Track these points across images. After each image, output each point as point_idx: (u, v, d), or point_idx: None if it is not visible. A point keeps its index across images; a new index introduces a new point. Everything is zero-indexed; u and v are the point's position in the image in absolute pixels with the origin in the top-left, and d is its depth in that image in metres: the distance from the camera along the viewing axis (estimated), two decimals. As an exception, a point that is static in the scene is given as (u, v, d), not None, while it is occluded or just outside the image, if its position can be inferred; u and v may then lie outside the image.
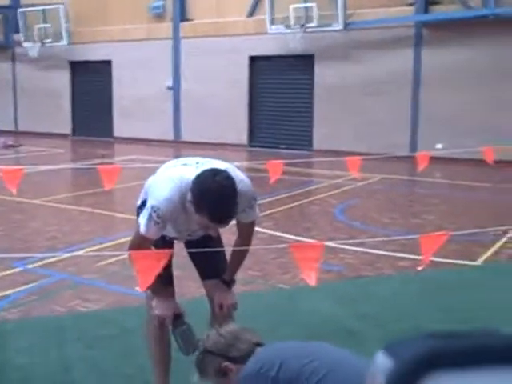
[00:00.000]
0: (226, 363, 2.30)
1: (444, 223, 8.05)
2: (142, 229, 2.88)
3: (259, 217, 3.27)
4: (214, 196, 2.66)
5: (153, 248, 3.21)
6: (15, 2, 21.09)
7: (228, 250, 3.36)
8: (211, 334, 2.38)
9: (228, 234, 3.48)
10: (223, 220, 2.74)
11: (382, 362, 0.71)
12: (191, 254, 3.39)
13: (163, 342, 3.38)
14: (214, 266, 3.36)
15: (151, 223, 2.84)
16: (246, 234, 3.24)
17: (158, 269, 2.97)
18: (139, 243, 2.96)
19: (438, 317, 4.76)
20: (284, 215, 8.59)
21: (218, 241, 3.35)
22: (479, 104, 13.85)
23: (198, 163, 2.96)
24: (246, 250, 3.30)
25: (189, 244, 3.37)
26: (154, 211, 2.82)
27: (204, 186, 2.69)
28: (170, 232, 3.13)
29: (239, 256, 3.31)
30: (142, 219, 2.88)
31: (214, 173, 2.73)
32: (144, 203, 3.02)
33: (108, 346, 4.26)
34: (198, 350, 2.40)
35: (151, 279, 2.97)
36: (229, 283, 3.31)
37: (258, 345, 2.33)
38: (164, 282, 3.18)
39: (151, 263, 2.96)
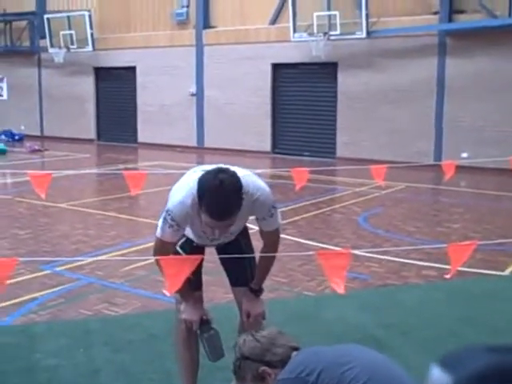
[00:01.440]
0: (264, 368, 2.30)
1: (469, 232, 8.00)
2: (158, 232, 2.98)
3: (281, 224, 3.26)
4: (213, 192, 2.68)
5: (181, 252, 3.23)
6: (41, 9, 21.38)
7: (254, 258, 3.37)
8: (247, 339, 2.37)
9: (255, 241, 3.49)
10: (222, 216, 2.72)
11: (439, 377, 0.71)
12: (222, 260, 3.41)
13: (191, 347, 3.39)
14: (243, 274, 3.35)
15: (166, 226, 2.92)
16: (270, 242, 3.22)
17: (187, 273, 2.98)
18: (160, 247, 3.03)
19: (463, 327, 4.73)
20: (308, 222, 8.59)
21: (248, 248, 3.36)
22: (504, 113, 13.74)
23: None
24: (273, 258, 3.28)
25: (220, 250, 3.39)
26: (169, 214, 2.90)
27: (205, 183, 2.72)
28: (191, 236, 3.17)
29: (266, 264, 3.30)
30: (159, 223, 2.97)
31: (218, 171, 2.76)
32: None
33: (135, 350, 4.29)
34: (235, 357, 2.40)
35: (179, 283, 2.99)
36: (256, 292, 3.31)
37: (295, 349, 2.33)
38: (193, 287, 3.20)
39: (180, 268, 2.98)
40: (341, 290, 3.11)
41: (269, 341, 2.33)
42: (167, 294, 3.13)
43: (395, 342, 4.45)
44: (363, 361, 2.17)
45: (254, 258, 3.38)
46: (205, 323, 3.14)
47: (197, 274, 3.21)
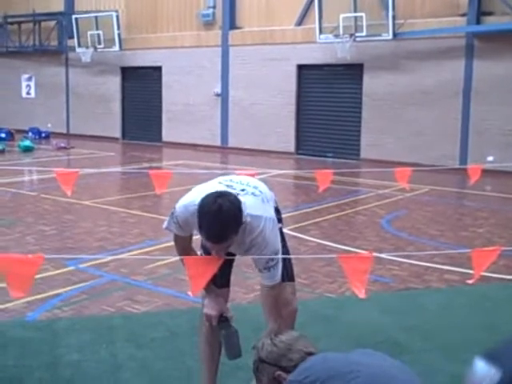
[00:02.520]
0: (279, 372, 2.31)
1: (493, 237, 7.93)
2: (165, 223, 3.15)
3: (278, 282, 3.07)
4: (209, 216, 2.75)
5: (202, 252, 3.25)
6: (69, 9, 21.63)
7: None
8: (266, 342, 2.39)
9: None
10: (216, 240, 2.80)
11: (486, 371, 0.70)
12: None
13: (212, 343, 3.41)
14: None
15: (171, 221, 3.09)
16: (264, 301, 3.17)
17: (210, 274, 3.00)
18: (174, 238, 3.20)
19: (485, 332, 4.69)
20: (331, 224, 8.58)
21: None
22: (532, 117, 13.58)
23: (243, 190, 3.01)
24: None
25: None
26: (174, 212, 3.05)
27: (204, 206, 2.79)
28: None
29: None
30: (167, 222, 3.15)
31: (219, 195, 2.81)
32: None
33: (156, 347, 4.33)
34: (253, 358, 2.43)
35: (203, 284, 3.01)
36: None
37: (311, 354, 2.34)
38: (219, 283, 3.23)
39: (203, 268, 3.00)
40: (361, 294, 3.10)
41: (285, 346, 2.34)
42: (191, 294, 3.15)
43: (416, 346, 4.43)
44: (370, 369, 2.16)
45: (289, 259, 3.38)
46: (224, 320, 3.16)
47: (225, 271, 3.24)
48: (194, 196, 2.98)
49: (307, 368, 2.24)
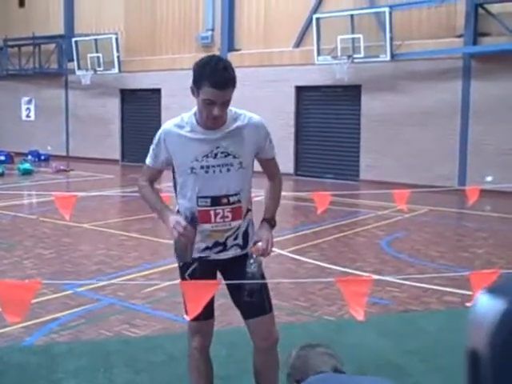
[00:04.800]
0: None
1: (493, 258, 7.91)
2: (146, 161, 3.21)
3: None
4: (210, 64, 2.88)
5: (189, 279, 3.19)
6: (69, 32, 21.78)
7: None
8: (292, 354, 2.48)
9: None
10: (224, 83, 2.87)
11: (489, 305, 0.69)
12: (233, 291, 3.25)
13: (205, 372, 3.36)
14: (260, 300, 3.22)
15: (150, 151, 3.16)
16: (273, 174, 3.31)
17: (207, 298, 2.99)
18: (143, 172, 3.27)
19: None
20: (330, 246, 8.56)
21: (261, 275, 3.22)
22: (530, 137, 13.61)
23: None
24: (280, 189, 3.33)
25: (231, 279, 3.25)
26: (154, 141, 3.15)
27: (201, 62, 2.92)
28: (182, 167, 3.07)
29: (275, 195, 3.31)
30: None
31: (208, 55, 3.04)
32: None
33: (155, 372, 4.30)
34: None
35: (200, 308, 3.00)
36: (270, 222, 3.22)
37: (322, 372, 2.38)
38: (205, 315, 3.16)
39: (200, 293, 2.99)
40: (360, 317, 3.09)
41: (302, 361, 2.43)
42: (187, 318, 3.12)
43: (415, 369, 4.40)
44: None
45: (266, 283, 3.27)
46: (195, 221, 3.03)
47: (209, 301, 3.16)
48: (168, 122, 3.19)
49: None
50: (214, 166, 3.02)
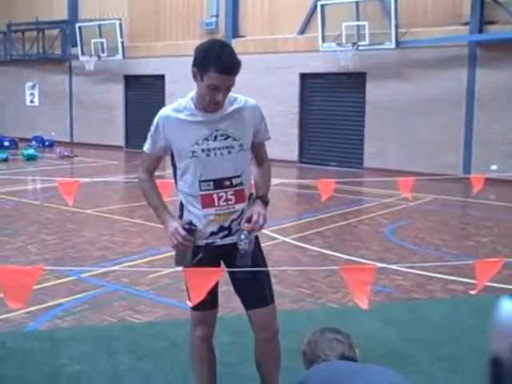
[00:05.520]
0: (309, 367, 2.54)
1: (497, 246, 7.89)
2: (144, 147, 3.15)
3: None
4: (217, 48, 2.85)
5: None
6: (73, 17, 21.70)
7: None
8: (307, 338, 2.60)
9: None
10: (230, 68, 2.84)
11: None
12: (235, 280, 3.21)
13: (207, 362, 3.33)
14: (262, 290, 3.23)
15: (148, 138, 3.11)
16: (264, 157, 3.33)
17: (210, 285, 2.96)
18: (142, 161, 3.20)
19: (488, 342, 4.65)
20: (334, 233, 8.55)
21: (263, 263, 3.22)
22: (535, 125, 13.54)
23: None
24: (270, 173, 3.33)
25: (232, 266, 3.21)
26: (151, 127, 3.09)
27: (207, 44, 2.90)
28: (183, 152, 3.02)
29: (266, 175, 3.30)
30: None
31: (211, 39, 3.03)
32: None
33: (158, 358, 4.30)
34: None
35: (203, 295, 2.96)
36: (264, 198, 3.18)
37: (324, 360, 2.42)
38: (209, 304, 3.15)
39: (203, 280, 2.96)
40: (364, 305, 3.06)
41: (313, 346, 2.53)
42: (189, 305, 3.10)
43: (419, 357, 4.39)
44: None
45: (269, 274, 3.25)
46: (191, 229, 3.03)
47: (214, 290, 3.13)
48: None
49: (310, 372, 2.39)
50: (214, 149, 2.99)
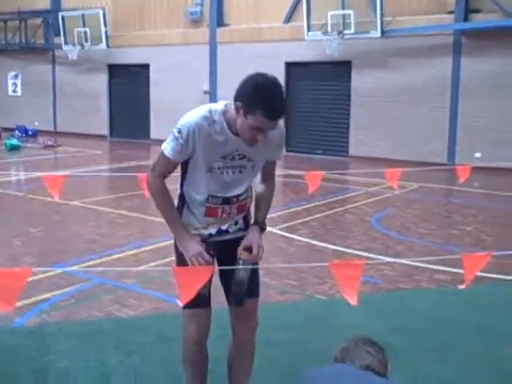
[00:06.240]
0: None
1: (482, 235, 7.95)
2: (164, 147, 2.89)
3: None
4: (268, 90, 2.66)
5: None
6: (55, 6, 21.46)
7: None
8: (339, 346, 2.54)
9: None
10: (279, 114, 2.72)
11: None
12: (224, 275, 3.21)
13: (200, 364, 3.26)
14: (257, 283, 3.25)
15: (173, 142, 2.85)
16: (272, 174, 3.19)
17: (200, 284, 2.89)
18: (159, 165, 2.95)
19: (476, 333, 4.70)
20: (320, 223, 8.57)
21: None
22: (519, 113, 13.63)
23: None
24: (273, 192, 3.23)
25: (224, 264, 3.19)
26: (179, 131, 2.83)
27: (257, 83, 2.69)
28: (200, 165, 2.93)
29: (268, 198, 3.20)
30: (166, 143, 2.89)
31: (260, 74, 2.75)
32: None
33: (146, 352, 4.29)
34: None
35: (193, 294, 2.91)
36: (261, 225, 3.15)
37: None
38: (204, 302, 3.12)
39: (193, 278, 2.91)
40: (353, 301, 3.05)
41: (344, 352, 2.48)
42: (180, 304, 3.06)
43: (406, 348, 4.42)
44: None
45: (257, 270, 3.25)
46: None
47: (209, 287, 3.10)
48: (194, 111, 2.87)
49: (316, 373, 2.41)
50: (228, 167, 2.94)
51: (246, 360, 3.31)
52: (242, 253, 3.00)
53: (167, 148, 2.89)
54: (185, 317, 3.17)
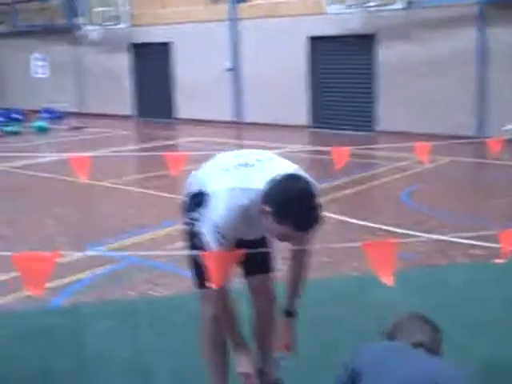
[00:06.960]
0: None
1: (515, 208, 7.84)
2: (211, 246, 2.71)
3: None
4: (298, 204, 2.45)
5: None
6: (77, -14, 21.43)
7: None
8: (392, 321, 2.60)
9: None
10: (310, 227, 2.51)
11: None
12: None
13: (222, 344, 3.12)
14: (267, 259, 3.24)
15: (217, 243, 2.69)
16: (303, 251, 3.04)
17: (229, 266, 2.80)
18: (217, 297, 2.84)
19: (511, 307, 4.64)
20: (349, 199, 8.50)
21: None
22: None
23: (259, 161, 2.75)
24: (309, 266, 3.14)
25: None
26: (218, 232, 2.66)
27: (287, 192, 2.49)
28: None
29: (304, 276, 3.12)
30: (207, 236, 2.71)
31: (293, 179, 2.55)
32: (202, 194, 2.80)
33: (180, 332, 4.30)
34: None
35: (224, 276, 2.77)
36: (292, 314, 3.12)
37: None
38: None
39: (222, 261, 2.81)
40: (390, 281, 2.98)
41: (395, 327, 2.54)
42: (213, 286, 2.84)
43: (441, 325, 4.36)
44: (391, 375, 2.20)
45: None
46: (262, 374, 3.06)
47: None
48: (227, 201, 2.64)
49: (361, 349, 2.42)
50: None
51: (268, 333, 3.30)
52: (279, 349, 3.10)
53: (213, 246, 2.75)
54: (205, 296, 3.02)
